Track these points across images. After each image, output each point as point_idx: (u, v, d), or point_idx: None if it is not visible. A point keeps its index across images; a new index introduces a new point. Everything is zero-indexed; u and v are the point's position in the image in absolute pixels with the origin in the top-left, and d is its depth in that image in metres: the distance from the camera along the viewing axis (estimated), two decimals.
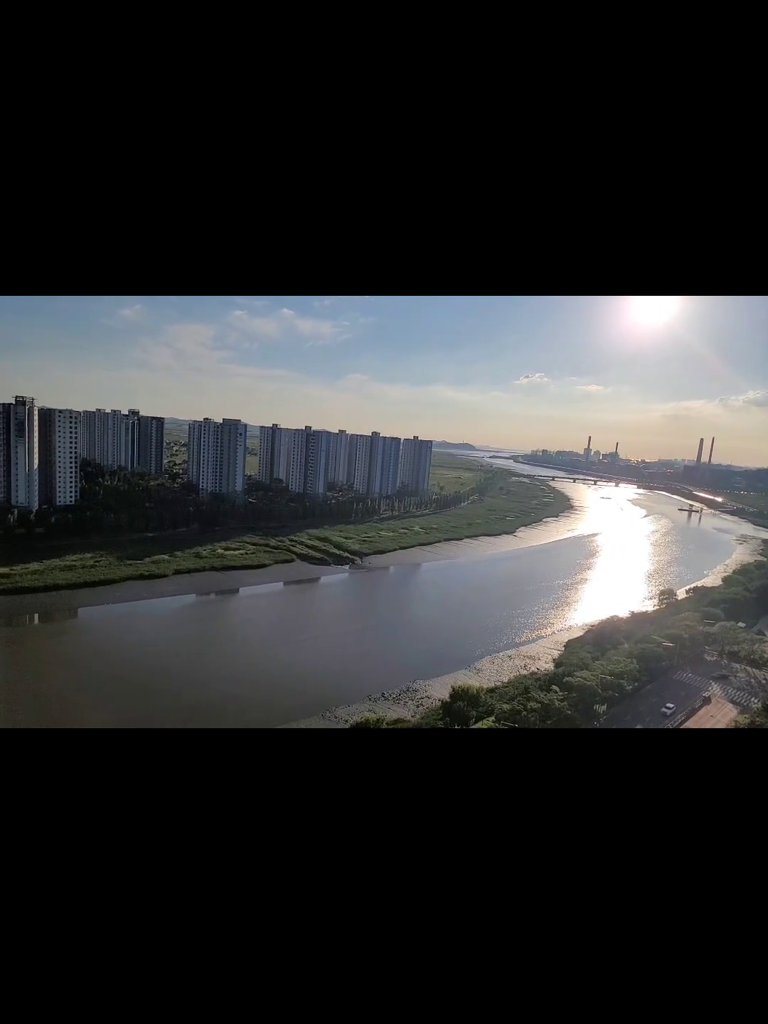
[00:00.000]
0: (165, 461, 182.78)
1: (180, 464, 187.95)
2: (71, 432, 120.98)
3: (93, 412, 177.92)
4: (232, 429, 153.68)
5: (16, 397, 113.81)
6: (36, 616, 76.15)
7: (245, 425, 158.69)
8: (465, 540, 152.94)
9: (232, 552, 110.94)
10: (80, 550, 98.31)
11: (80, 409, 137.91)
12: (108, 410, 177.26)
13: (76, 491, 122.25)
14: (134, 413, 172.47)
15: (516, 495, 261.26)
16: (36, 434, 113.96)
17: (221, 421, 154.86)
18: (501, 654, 74.95)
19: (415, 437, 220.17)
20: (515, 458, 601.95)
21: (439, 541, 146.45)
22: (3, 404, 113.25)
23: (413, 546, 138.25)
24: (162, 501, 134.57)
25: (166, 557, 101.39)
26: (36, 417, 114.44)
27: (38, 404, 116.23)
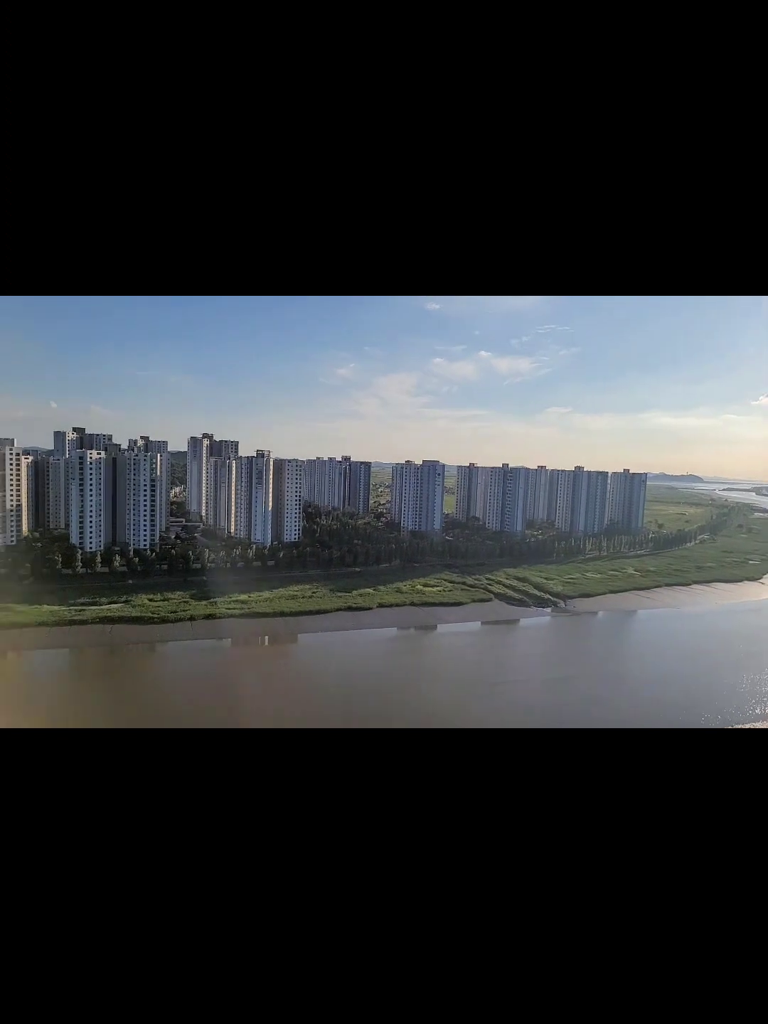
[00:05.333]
0: (371, 501, 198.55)
1: (384, 504, 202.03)
2: (296, 478, 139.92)
3: (314, 460, 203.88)
4: (431, 470, 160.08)
5: (257, 451, 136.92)
6: (266, 638, 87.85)
7: (443, 465, 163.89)
8: (693, 586, 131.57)
9: (430, 588, 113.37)
10: (300, 582, 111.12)
11: (303, 458, 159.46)
12: (325, 457, 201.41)
13: (298, 529, 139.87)
14: (346, 459, 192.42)
15: (762, 534, 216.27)
16: (270, 481, 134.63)
17: (421, 463, 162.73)
18: (746, 727, 60.70)
19: (625, 470, 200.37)
20: (758, 490, 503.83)
21: (659, 586, 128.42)
22: (247, 457, 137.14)
23: (626, 590, 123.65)
24: (368, 538, 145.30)
25: (371, 591, 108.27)
26: (271, 467, 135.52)
27: (273, 456, 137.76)
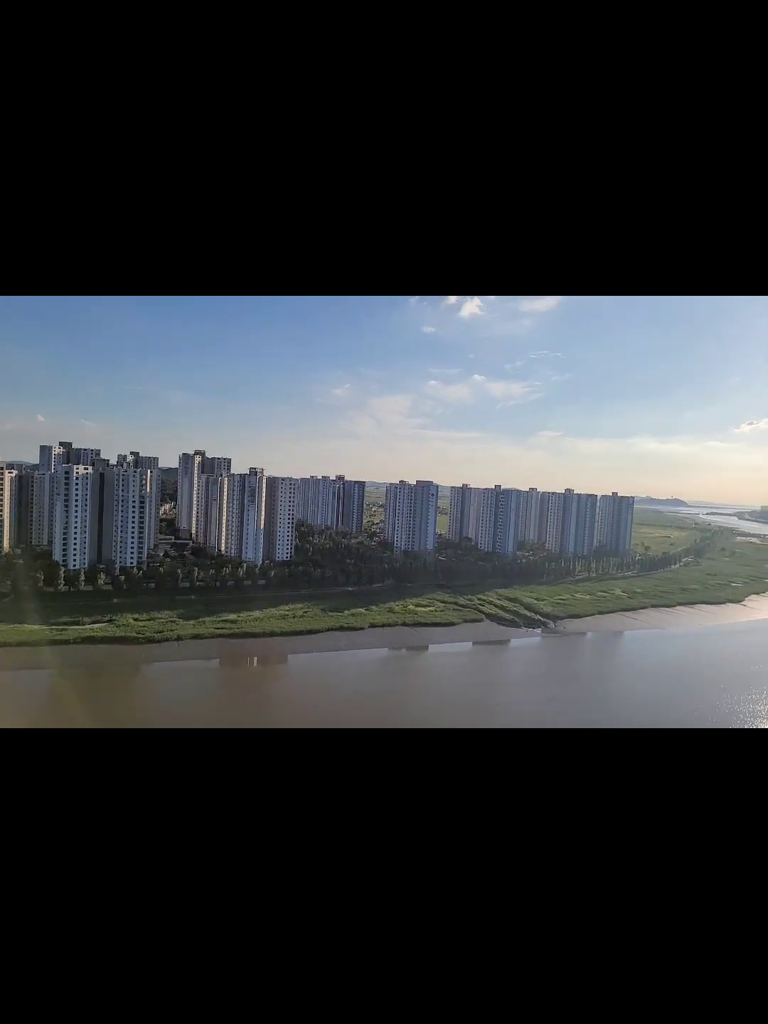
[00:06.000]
0: (365, 521, 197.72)
1: (378, 523, 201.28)
2: (289, 497, 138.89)
3: (308, 479, 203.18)
4: (424, 490, 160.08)
5: (251, 468, 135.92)
6: (255, 659, 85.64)
7: (437, 486, 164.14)
8: (678, 608, 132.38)
9: (423, 608, 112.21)
10: (292, 601, 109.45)
11: (297, 476, 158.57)
12: (319, 476, 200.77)
13: (291, 548, 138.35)
14: (340, 478, 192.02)
15: (744, 557, 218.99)
16: (263, 499, 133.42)
17: (415, 483, 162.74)
18: (746, 727, 59.57)
19: (614, 493, 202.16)
20: (740, 515, 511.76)
21: (645, 607, 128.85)
22: (240, 475, 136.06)
23: (614, 611, 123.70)
24: (361, 558, 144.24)
25: (363, 610, 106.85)
26: (264, 484, 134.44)
27: (266, 474, 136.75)
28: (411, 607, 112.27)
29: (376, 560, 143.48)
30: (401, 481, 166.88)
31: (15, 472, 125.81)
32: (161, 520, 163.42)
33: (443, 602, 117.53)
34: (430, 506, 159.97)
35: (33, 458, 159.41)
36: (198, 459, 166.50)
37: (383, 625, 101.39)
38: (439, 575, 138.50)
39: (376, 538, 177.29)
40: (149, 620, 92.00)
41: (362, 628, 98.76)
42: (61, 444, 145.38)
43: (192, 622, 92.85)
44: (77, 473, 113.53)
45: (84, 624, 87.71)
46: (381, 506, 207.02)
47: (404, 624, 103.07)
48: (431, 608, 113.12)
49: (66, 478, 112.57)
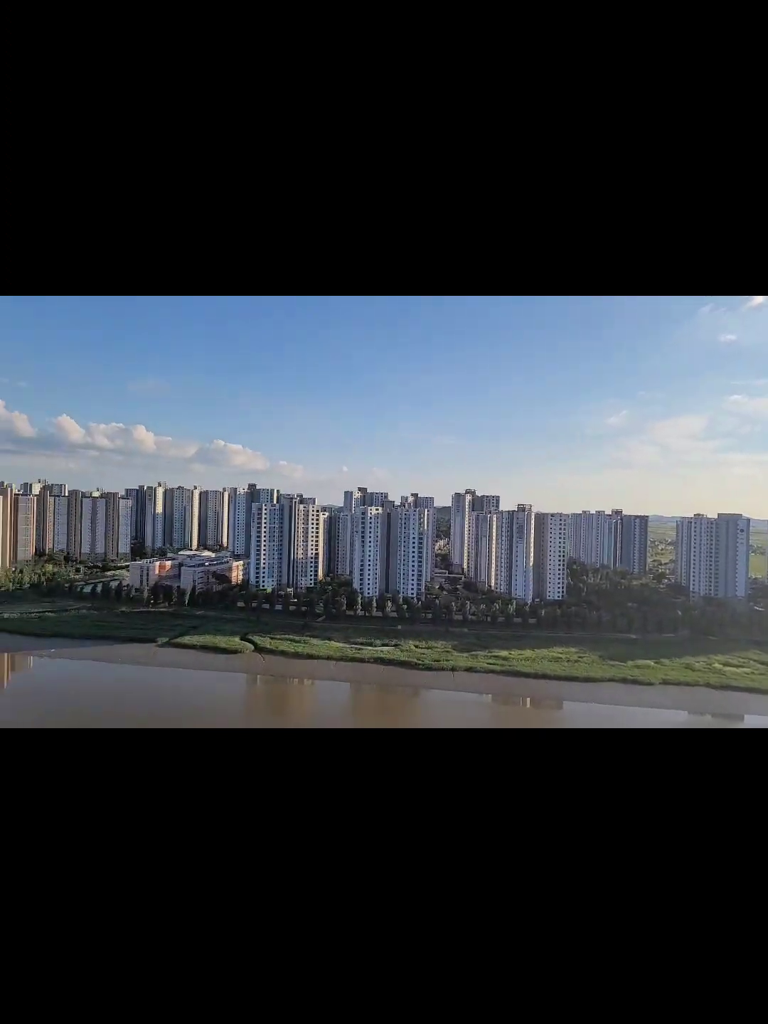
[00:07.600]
0: (649, 560, 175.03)
1: (666, 564, 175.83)
2: (560, 533, 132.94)
3: (579, 514, 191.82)
4: (730, 524, 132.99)
5: (518, 505, 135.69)
6: (528, 701, 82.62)
7: (748, 520, 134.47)
8: None
9: (732, 668, 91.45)
10: (564, 643, 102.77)
11: (568, 512, 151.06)
12: (593, 511, 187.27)
13: (563, 587, 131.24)
14: (617, 512, 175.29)
15: None
16: (532, 536, 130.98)
17: (716, 516, 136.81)
18: (746, 727, 28.44)
19: None
20: None
21: None
22: (508, 511, 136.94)
23: None
24: (645, 602, 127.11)
25: (651, 663, 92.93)
26: (532, 521, 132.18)
27: (535, 510, 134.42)
28: (717, 665, 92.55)
29: (666, 606, 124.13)
30: (696, 514, 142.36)
31: (327, 513, 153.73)
32: (436, 555, 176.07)
33: (765, 663, 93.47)
34: (740, 544, 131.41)
35: (339, 502, 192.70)
36: (469, 497, 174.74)
37: (679, 683, 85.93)
38: (755, 629, 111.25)
39: (665, 580, 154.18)
40: (428, 648, 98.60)
41: (651, 683, 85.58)
42: (359, 489, 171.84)
43: (465, 655, 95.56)
44: (370, 513, 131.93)
45: (375, 646, 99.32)
46: (669, 544, 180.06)
47: (708, 685, 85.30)
48: (746, 669, 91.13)
49: (362, 518, 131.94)
